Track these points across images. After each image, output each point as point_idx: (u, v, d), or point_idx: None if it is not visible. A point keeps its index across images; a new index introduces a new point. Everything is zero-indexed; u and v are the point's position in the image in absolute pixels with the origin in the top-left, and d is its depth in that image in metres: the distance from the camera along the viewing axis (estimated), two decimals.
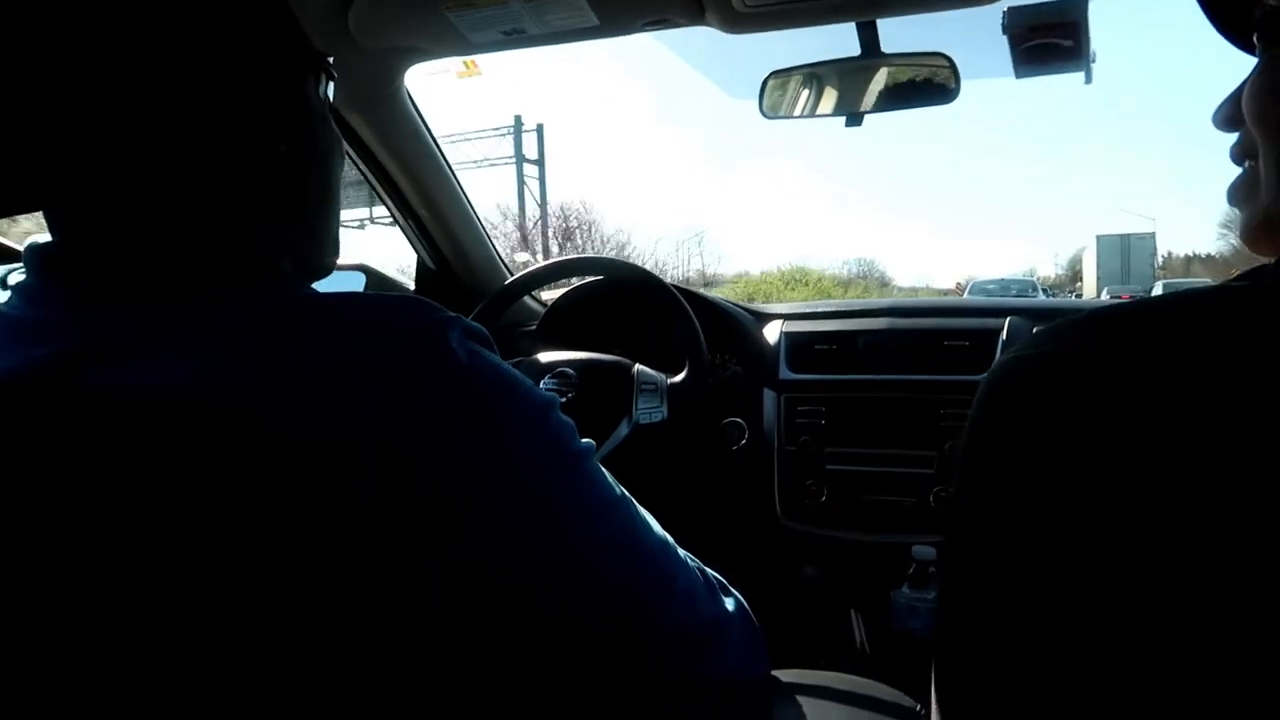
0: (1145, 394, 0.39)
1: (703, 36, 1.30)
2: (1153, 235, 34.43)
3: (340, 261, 0.71)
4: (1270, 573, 0.36)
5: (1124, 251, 33.29)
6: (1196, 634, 0.37)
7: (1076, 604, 0.41)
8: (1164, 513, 0.38)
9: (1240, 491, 0.36)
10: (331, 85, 0.66)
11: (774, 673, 0.90)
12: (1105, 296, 20.88)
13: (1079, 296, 30.85)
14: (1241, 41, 0.52)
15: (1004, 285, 25.63)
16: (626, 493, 0.62)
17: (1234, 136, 0.52)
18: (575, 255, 1.65)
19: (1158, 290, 17.39)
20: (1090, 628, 0.40)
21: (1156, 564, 0.38)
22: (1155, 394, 0.39)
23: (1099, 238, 34.19)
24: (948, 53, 1.31)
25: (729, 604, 0.69)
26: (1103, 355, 0.42)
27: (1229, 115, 0.52)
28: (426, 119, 1.65)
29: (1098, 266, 33.44)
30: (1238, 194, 0.52)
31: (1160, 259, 36.17)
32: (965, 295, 22.47)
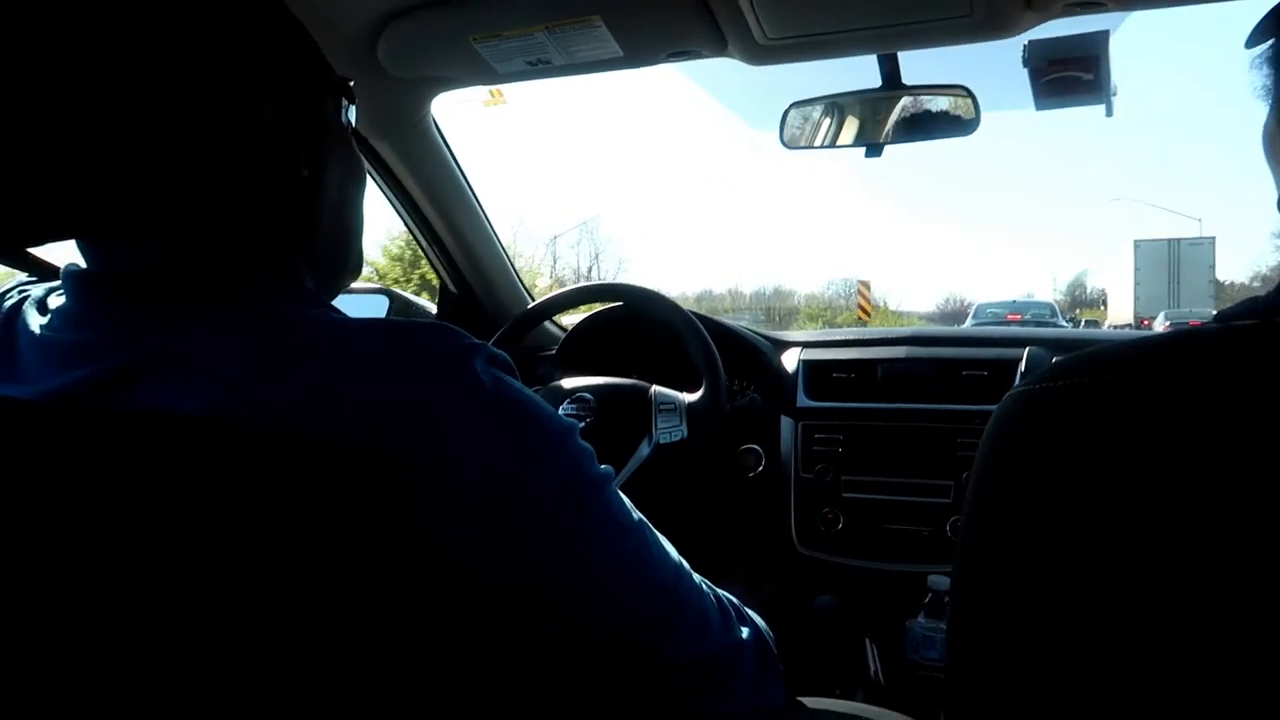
0: (1152, 433, 0.40)
1: (725, 68, 1.32)
2: (1210, 241, 25.58)
3: (359, 284, 0.72)
4: None
5: (1172, 262, 25.07)
6: (1207, 667, 0.38)
7: (1085, 635, 0.41)
8: (1171, 547, 0.38)
9: (1252, 528, 0.37)
10: (353, 109, 0.67)
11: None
12: (1162, 326, 17.05)
13: (1088, 325, 25.71)
14: None
15: (1015, 309, 21.83)
16: (644, 518, 0.63)
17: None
18: (597, 282, 1.67)
19: None
20: (1100, 658, 0.40)
21: (1165, 598, 0.39)
22: (1161, 433, 0.40)
23: (1139, 244, 25.76)
24: (968, 84, 1.33)
25: (744, 632, 0.68)
26: (1111, 392, 0.42)
27: None
28: (452, 146, 1.68)
29: (1136, 284, 25.27)
30: None
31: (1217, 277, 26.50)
32: (969, 322, 20.14)
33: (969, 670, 0.48)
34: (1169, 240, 25.61)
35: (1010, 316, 20.17)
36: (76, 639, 0.47)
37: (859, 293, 28.52)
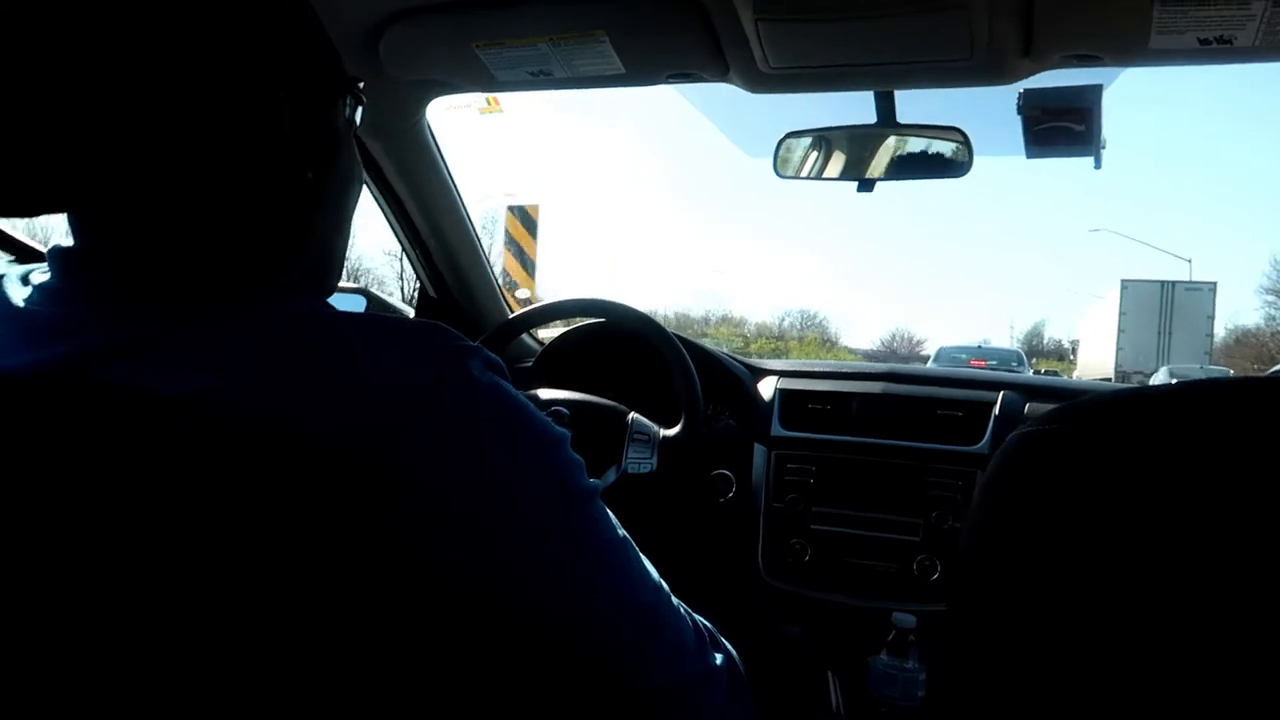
0: (1158, 483, 0.40)
1: (724, 93, 1.33)
2: (1211, 287, 21.58)
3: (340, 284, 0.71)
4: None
5: (1164, 309, 21.13)
6: (1202, 711, 0.38)
7: (1085, 677, 0.41)
8: (1172, 596, 0.38)
9: (1255, 579, 0.37)
10: (360, 110, 0.67)
11: None
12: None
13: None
14: None
15: (979, 354, 19.55)
16: (628, 536, 0.62)
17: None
18: (581, 297, 1.66)
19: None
20: (1104, 706, 0.40)
21: (1165, 645, 0.39)
22: (1170, 484, 0.40)
23: (1128, 285, 21.72)
24: (962, 127, 1.35)
25: (718, 659, 0.68)
26: (1118, 439, 0.42)
27: None
28: (444, 151, 1.67)
29: (1120, 332, 21.28)
30: None
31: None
32: (930, 364, 18.24)
33: (958, 708, 0.48)
34: (1162, 282, 21.71)
35: (974, 362, 18.31)
36: (45, 620, 0.46)
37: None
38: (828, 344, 42.62)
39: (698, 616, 0.69)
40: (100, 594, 0.46)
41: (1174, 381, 0.44)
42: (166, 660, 0.46)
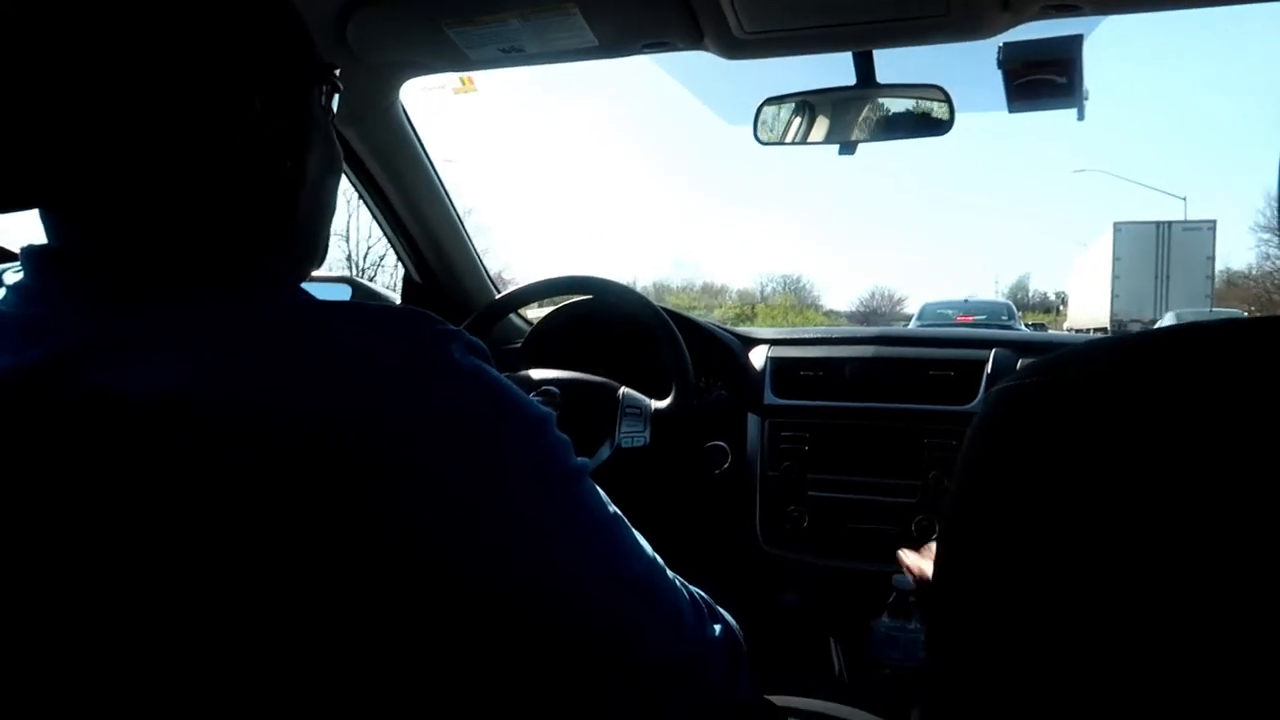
0: (1136, 428, 0.39)
1: (701, 61, 1.31)
2: (1210, 226, 20.08)
3: (322, 273, 0.71)
4: (1272, 606, 0.36)
5: (1161, 250, 19.79)
6: (1195, 666, 0.37)
7: (1076, 630, 0.40)
8: (1159, 541, 0.38)
9: (1241, 521, 0.36)
10: (336, 97, 0.66)
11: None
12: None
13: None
14: None
15: (966, 309, 18.18)
16: (619, 513, 0.62)
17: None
18: (567, 275, 1.64)
19: None
20: (1091, 657, 0.40)
21: (1153, 596, 0.38)
22: (1151, 430, 0.39)
23: (1120, 227, 20.33)
24: (942, 85, 1.33)
25: (716, 629, 0.68)
26: (1102, 388, 0.42)
27: None
28: (420, 134, 1.65)
29: (1115, 278, 20.09)
30: None
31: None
32: (913, 323, 17.15)
33: (951, 666, 0.47)
34: (1157, 223, 20.27)
35: (961, 319, 17.16)
36: (20, 620, 0.46)
37: None
38: (796, 308, 41.47)
39: (694, 589, 0.69)
40: (77, 602, 0.46)
41: None
42: (154, 662, 0.46)
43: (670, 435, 1.41)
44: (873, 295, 48.92)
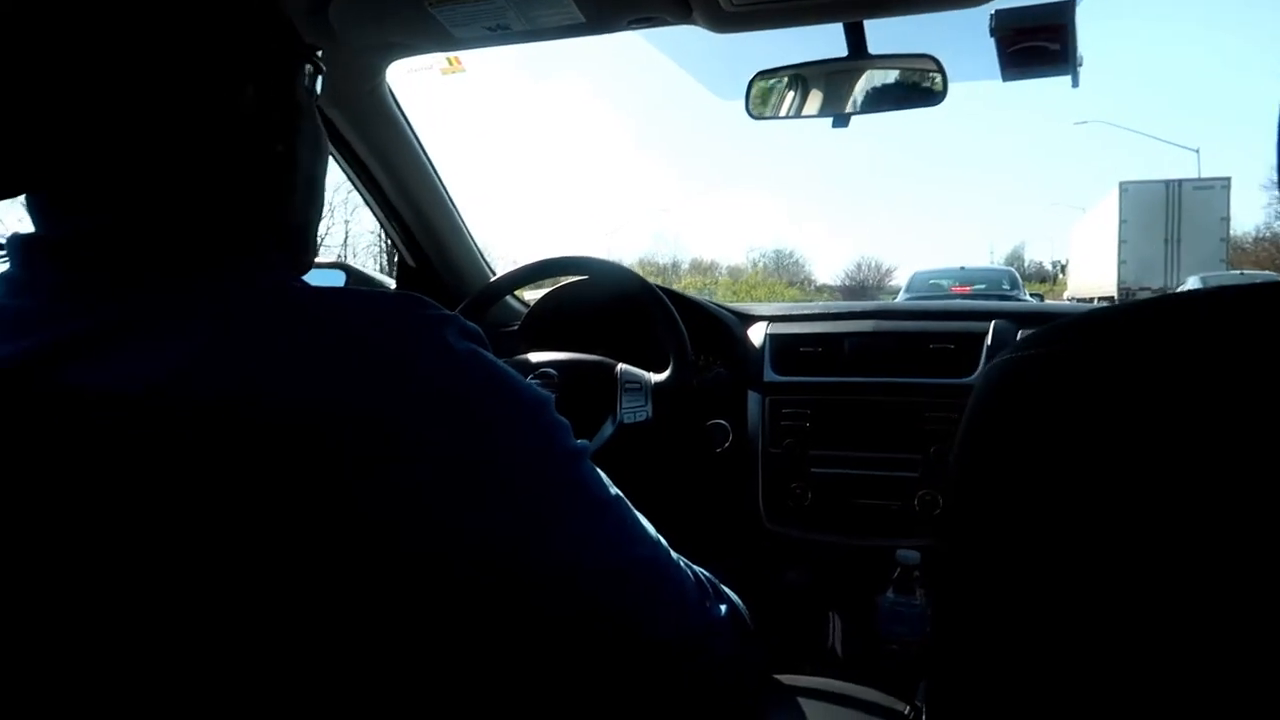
0: (1137, 397, 0.39)
1: (690, 35, 1.29)
2: (1224, 184, 18.18)
3: (318, 259, 0.70)
4: (1268, 577, 0.35)
5: (1171, 211, 18.01)
6: (1192, 637, 0.37)
7: (1075, 604, 0.40)
8: (1156, 512, 0.37)
9: (1238, 491, 0.36)
10: (320, 80, 0.66)
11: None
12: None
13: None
14: None
15: (963, 279, 15.90)
16: (621, 494, 0.62)
17: None
18: (562, 255, 1.64)
19: None
20: (1090, 629, 0.39)
21: (1152, 563, 0.38)
22: (1148, 397, 0.38)
23: (1127, 187, 18.52)
24: (935, 54, 1.31)
25: (721, 609, 0.68)
26: (1100, 357, 0.41)
27: None
28: (409, 116, 1.64)
29: (1121, 243, 18.29)
30: None
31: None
32: (902, 296, 15.37)
33: (955, 644, 0.47)
34: (1166, 182, 18.32)
35: (957, 289, 15.44)
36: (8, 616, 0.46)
37: None
38: (771, 285, 37.88)
39: (698, 568, 0.69)
40: (75, 599, 0.45)
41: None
42: (142, 660, 0.46)
43: (671, 409, 1.40)
44: (859, 267, 48.16)
